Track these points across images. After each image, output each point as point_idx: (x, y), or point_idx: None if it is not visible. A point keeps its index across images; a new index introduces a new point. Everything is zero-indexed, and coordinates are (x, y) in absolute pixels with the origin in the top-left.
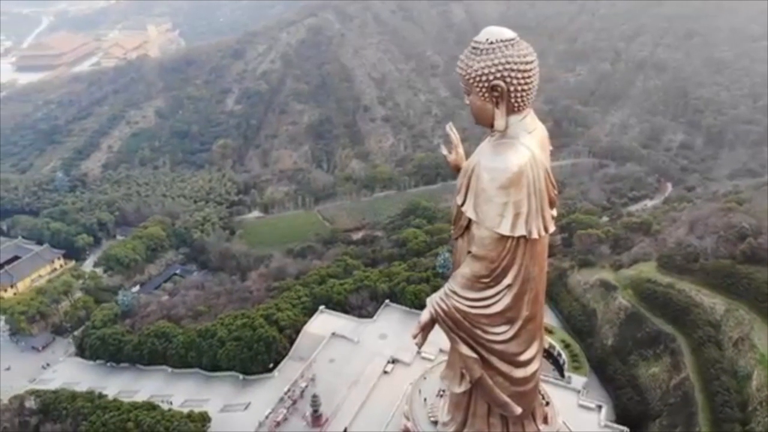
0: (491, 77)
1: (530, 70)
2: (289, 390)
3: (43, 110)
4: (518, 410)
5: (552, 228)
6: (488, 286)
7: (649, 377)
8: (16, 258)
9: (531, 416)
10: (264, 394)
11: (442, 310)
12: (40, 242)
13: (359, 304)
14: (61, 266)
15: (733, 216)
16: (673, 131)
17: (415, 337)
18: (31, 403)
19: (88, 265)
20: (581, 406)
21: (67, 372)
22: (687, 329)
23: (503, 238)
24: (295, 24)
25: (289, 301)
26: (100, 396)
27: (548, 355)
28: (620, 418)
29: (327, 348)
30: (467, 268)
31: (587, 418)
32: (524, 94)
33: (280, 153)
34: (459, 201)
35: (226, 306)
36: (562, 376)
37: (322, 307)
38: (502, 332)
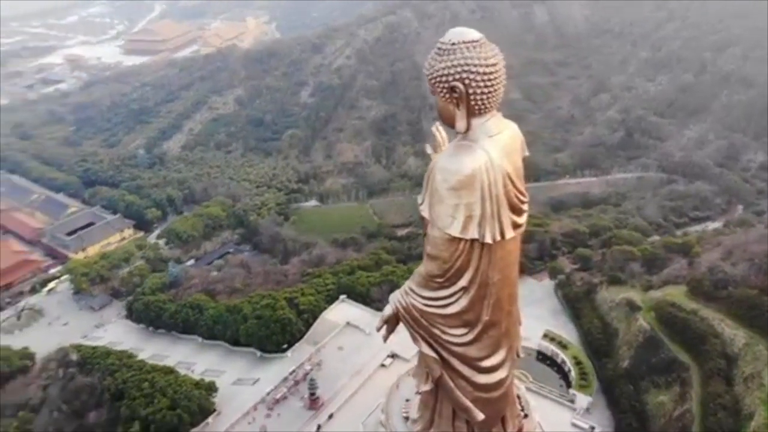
0: (450, 78)
1: (492, 73)
2: (293, 371)
3: (138, 92)
4: (480, 416)
5: (510, 234)
6: (442, 286)
7: (656, 405)
8: (90, 224)
9: (501, 425)
10: (274, 373)
11: (402, 306)
12: (115, 212)
13: (380, 298)
14: (130, 235)
15: None
16: (753, 151)
17: (378, 330)
18: (73, 356)
19: (153, 237)
20: (574, 425)
21: (115, 332)
22: (701, 359)
23: (455, 239)
24: (374, 21)
25: (315, 287)
26: (130, 356)
27: (559, 369)
28: None
29: (339, 336)
30: (423, 267)
31: None
32: (485, 96)
33: (343, 146)
34: (419, 200)
35: (261, 286)
36: None
37: (342, 297)
38: (460, 335)
